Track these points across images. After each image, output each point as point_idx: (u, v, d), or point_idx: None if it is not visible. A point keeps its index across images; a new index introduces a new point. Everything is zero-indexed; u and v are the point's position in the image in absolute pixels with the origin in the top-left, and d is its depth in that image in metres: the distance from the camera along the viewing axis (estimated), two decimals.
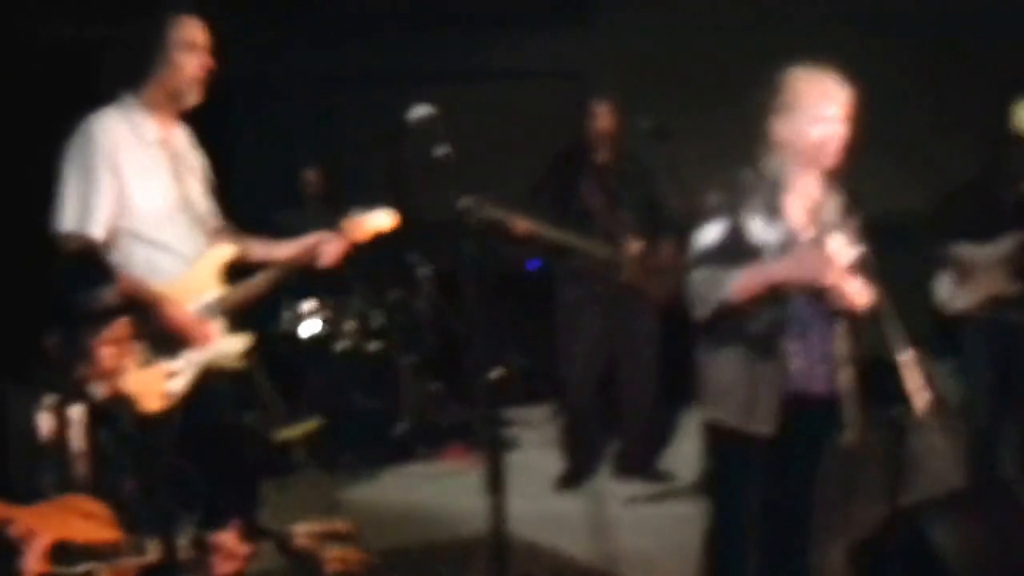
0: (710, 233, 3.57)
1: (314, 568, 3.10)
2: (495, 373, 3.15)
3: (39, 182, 3.80)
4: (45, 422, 3.05)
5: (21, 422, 3.03)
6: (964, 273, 5.40)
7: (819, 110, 3.55)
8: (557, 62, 8.09)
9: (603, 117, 6.06)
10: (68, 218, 3.67)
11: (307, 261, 4.06)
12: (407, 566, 4.88)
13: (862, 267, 3.50)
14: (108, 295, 3.08)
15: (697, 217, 3.64)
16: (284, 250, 4.09)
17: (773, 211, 3.56)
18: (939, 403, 3.38)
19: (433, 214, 4.29)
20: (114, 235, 3.70)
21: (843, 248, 3.56)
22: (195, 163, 3.97)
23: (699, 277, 3.56)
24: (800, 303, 3.56)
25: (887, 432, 3.31)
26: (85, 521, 2.90)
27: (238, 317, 3.92)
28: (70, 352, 3.04)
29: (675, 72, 7.66)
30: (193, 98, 3.87)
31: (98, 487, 3.04)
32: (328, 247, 4.07)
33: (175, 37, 3.80)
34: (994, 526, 4.62)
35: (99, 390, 3.12)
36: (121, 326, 3.10)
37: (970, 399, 5.54)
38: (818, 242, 3.53)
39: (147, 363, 3.61)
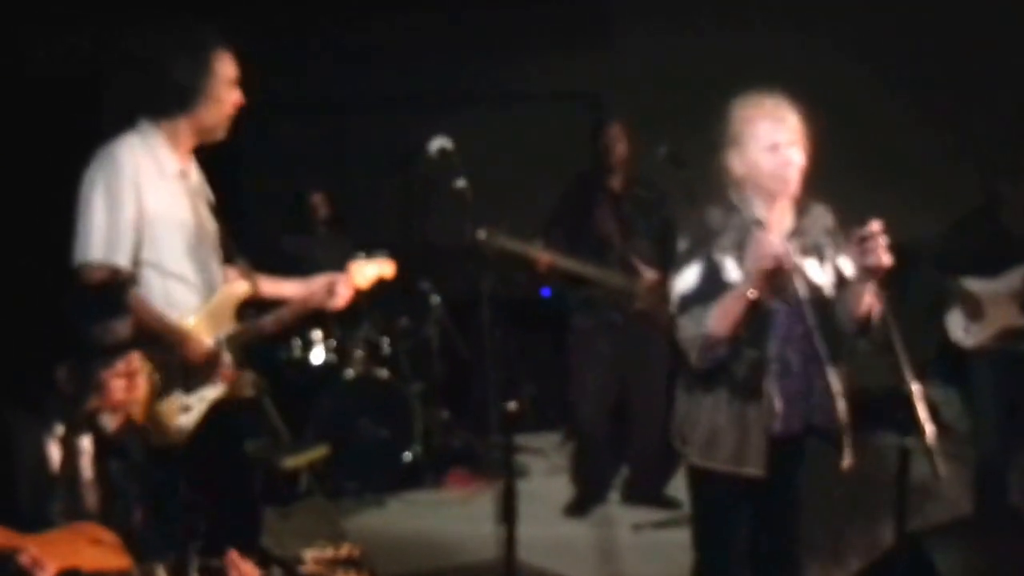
0: (688, 278, 3.51)
1: None
2: (511, 405, 3.15)
3: (50, 212, 3.79)
4: (54, 452, 3.06)
5: (31, 451, 3.03)
6: (974, 308, 5.40)
7: (768, 138, 3.47)
8: (572, 84, 8.10)
9: (617, 141, 6.07)
10: (94, 247, 3.61)
11: (318, 302, 4.03)
12: None
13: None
14: (121, 327, 3.09)
15: (672, 263, 3.59)
16: (295, 289, 4.06)
17: (744, 249, 3.47)
18: (945, 432, 3.36)
19: (444, 241, 4.31)
20: (135, 265, 3.67)
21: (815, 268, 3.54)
22: (208, 197, 3.95)
23: (685, 323, 3.49)
24: (779, 343, 3.52)
25: (895, 460, 3.30)
26: (95, 549, 2.91)
27: (247, 350, 3.91)
28: (81, 383, 3.06)
29: (692, 95, 7.66)
30: (223, 134, 3.84)
31: (107, 516, 3.05)
32: (340, 288, 4.03)
33: (220, 72, 3.76)
34: (1000, 553, 4.61)
35: (110, 422, 3.14)
36: (133, 359, 3.11)
37: (978, 427, 5.54)
38: (757, 236, 3.42)
39: (161, 396, 3.62)
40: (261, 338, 3.96)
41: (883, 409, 3.64)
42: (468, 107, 7.79)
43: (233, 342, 3.83)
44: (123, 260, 3.62)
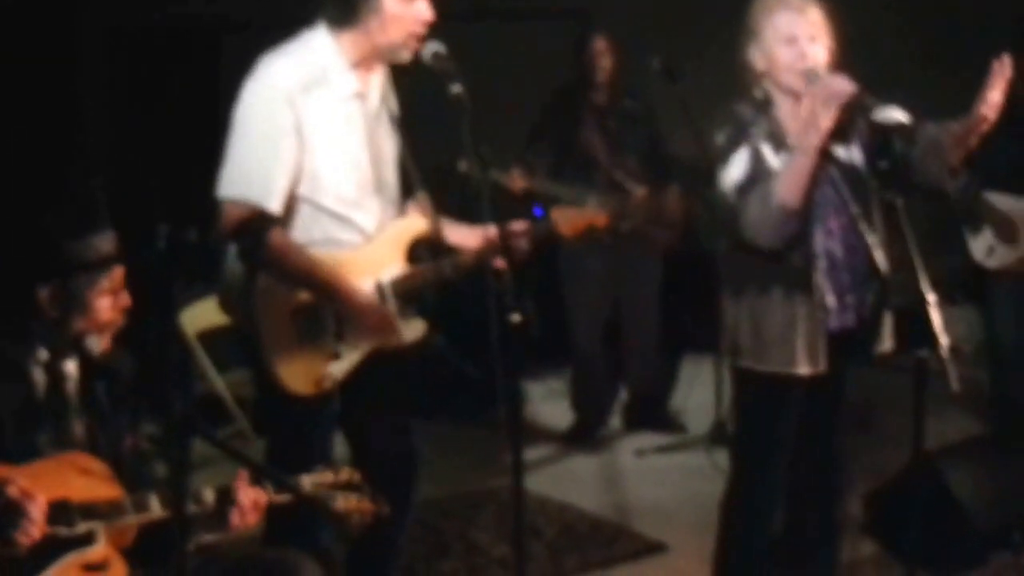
0: (738, 165, 3.43)
1: (324, 515, 3.03)
2: (515, 317, 3.02)
3: (28, 129, 3.59)
4: (40, 379, 2.92)
5: (13, 378, 2.89)
6: (1006, 229, 5.20)
7: (786, 30, 3.42)
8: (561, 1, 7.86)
9: (602, 56, 5.92)
10: (237, 183, 3.24)
11: (496, 251, 3.42)
12: (415, 517, 4.80)
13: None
14: (104, 242, 2.92)
15: (711, 159, 3.51)
16: (472, 237, 3.61)
17: (777, 140, 3.45)
18: (956, 350, 3.29)
19: (435, 160, 4.13)
20: (291, 203, 3.31)
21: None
22: (390, 114, 3.55)
23: (749, 205, 3.39)
24: (823, 236, 3.46)
25: (911, 377, 3.21)
26: (84, 478, 2.79)
27: (419, 296, 3.58)
28: (65, 304, 2.90)
29: (683, 9, 7.50)
30: (405, 55, 3.40)
31: (95, 444, 2.93)
32: (519, 240, 3.56)
33: None
34: (1012, 474, 4.56)
35: (96, 344, 2.99)
36: (117, 274, 2.95)
37: (996, 350, 5.45)
38: (822, 79, 3.33)
39: (305, 341, 3.36)
40: (439, 284, 3.59)
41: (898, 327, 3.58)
42: (452, 23, 7.57)
43: (402, 286, 3.49)
44: (272, 202, 3.24)
